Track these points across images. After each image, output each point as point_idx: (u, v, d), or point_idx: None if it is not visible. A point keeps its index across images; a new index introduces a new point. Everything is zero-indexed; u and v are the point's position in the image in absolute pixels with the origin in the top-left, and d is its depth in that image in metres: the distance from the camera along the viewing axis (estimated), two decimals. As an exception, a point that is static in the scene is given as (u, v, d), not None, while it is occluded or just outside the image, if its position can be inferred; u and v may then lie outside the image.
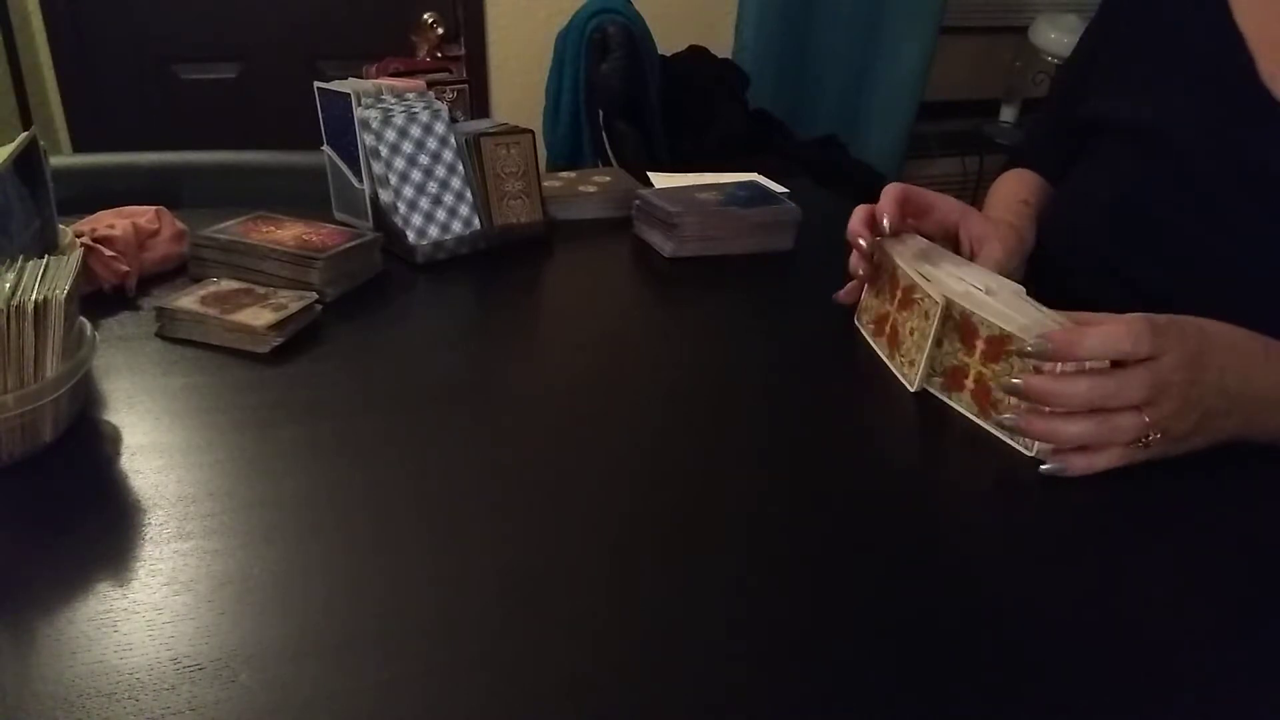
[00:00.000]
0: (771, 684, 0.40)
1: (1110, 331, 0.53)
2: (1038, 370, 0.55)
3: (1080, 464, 0.55)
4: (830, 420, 0.64)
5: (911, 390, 0.65)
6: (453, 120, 0.92)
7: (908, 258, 0.68)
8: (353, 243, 0.79)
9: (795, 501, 0.53)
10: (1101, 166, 0.79)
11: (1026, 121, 2.87)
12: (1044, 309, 0.60)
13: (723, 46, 2.43)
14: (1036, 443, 0.57)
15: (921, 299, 0.64)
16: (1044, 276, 0.79)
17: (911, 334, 0.65)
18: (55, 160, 0.72)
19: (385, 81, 0.93)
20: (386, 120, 0.87)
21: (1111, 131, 0.79)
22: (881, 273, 0.72)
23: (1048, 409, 0.55)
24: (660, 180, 1.10)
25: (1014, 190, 0.90)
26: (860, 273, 0.74)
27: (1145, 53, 0.78)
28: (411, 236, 0.86)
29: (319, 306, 0.73)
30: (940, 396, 0.64)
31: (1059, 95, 0.93)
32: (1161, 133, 0.73)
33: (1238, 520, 0.53)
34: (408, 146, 0.88)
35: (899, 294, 0.67)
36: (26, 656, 0.39)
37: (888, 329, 0.69)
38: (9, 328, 0.50)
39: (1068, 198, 0.83)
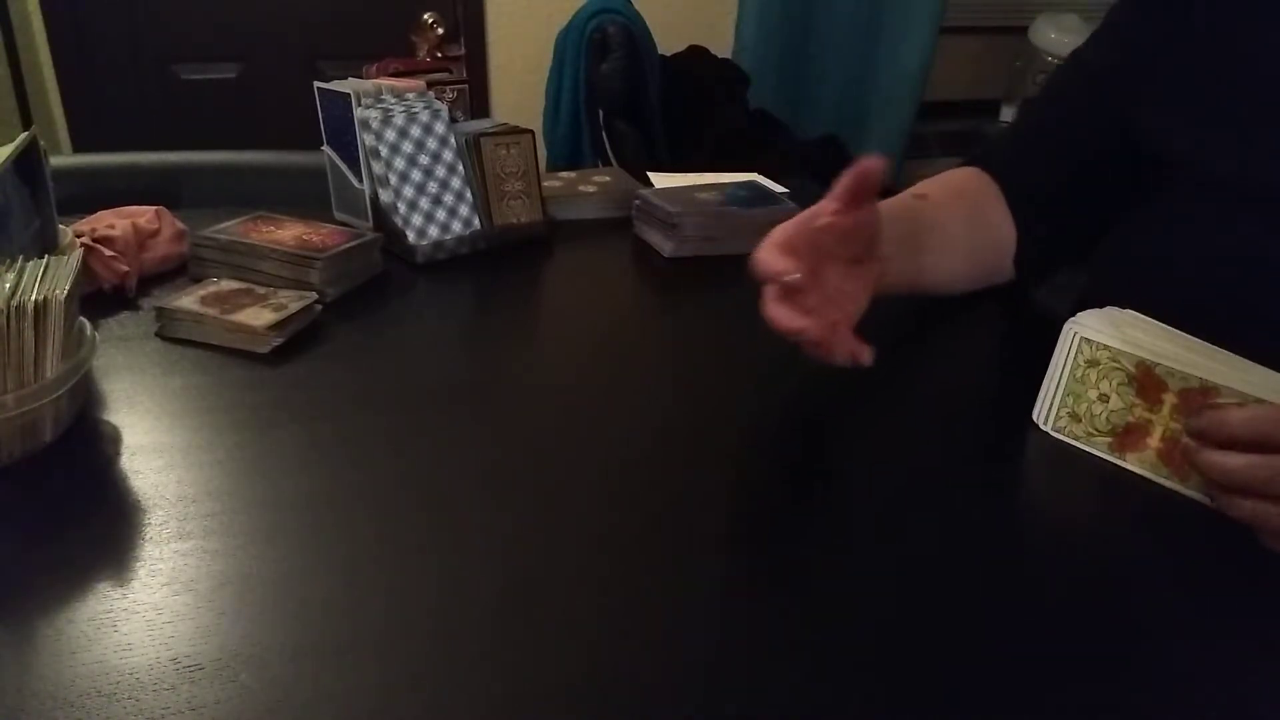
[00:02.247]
0: (771, 685, 0.40)
1: (1257, 414, 0.49)
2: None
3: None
4: (829, 420, 0.64)
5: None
6: (453, 120, 0.92)
7: (1153, 350, 0.55)
8: (353, 243, 0.79)
9: (795, 502, 0.53)
10: (1185, 222, 0.67)
11: (1011, 120, 2.86)
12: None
13: (723, 46, 2.43)
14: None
15: (1230, 402, 0.52)
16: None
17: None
18: (55, 160, 0.72)
19: (385, 81, 0.93)
20: (386, 120, 0.87)
21: (1199, 181, 0.66)
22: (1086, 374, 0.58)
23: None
24: (660, 180, 1.10)
25: (920, 186, 0.79)
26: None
27: (1238, 94, 0.65)
28: (411, 236, 0.86)
29: (319, 306, 0.73)
30: (1105, 456, 0.57)
31: (1077, 96, 0.79)
32: (1270, 188, 0.62)
33: None
34: (408, 146, 0.88)
35: (1170, 399, 0.54)
36: (26, 656, 0.39)
37: (1156, 443, 0.55)
38: (9, 328, 0.50)
39: (1139, 254, 0.70)
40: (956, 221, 0.79)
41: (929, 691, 0.40)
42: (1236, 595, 0.47)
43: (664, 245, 0.92)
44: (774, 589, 0.46)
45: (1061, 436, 0.59)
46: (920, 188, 0.81)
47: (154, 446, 0.55)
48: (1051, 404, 0.60)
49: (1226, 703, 0.40)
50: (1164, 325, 0.57)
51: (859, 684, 0.40)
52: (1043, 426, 0.60)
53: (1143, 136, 0.71)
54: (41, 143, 0.67)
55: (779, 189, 1.04)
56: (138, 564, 0.45)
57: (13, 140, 0.65)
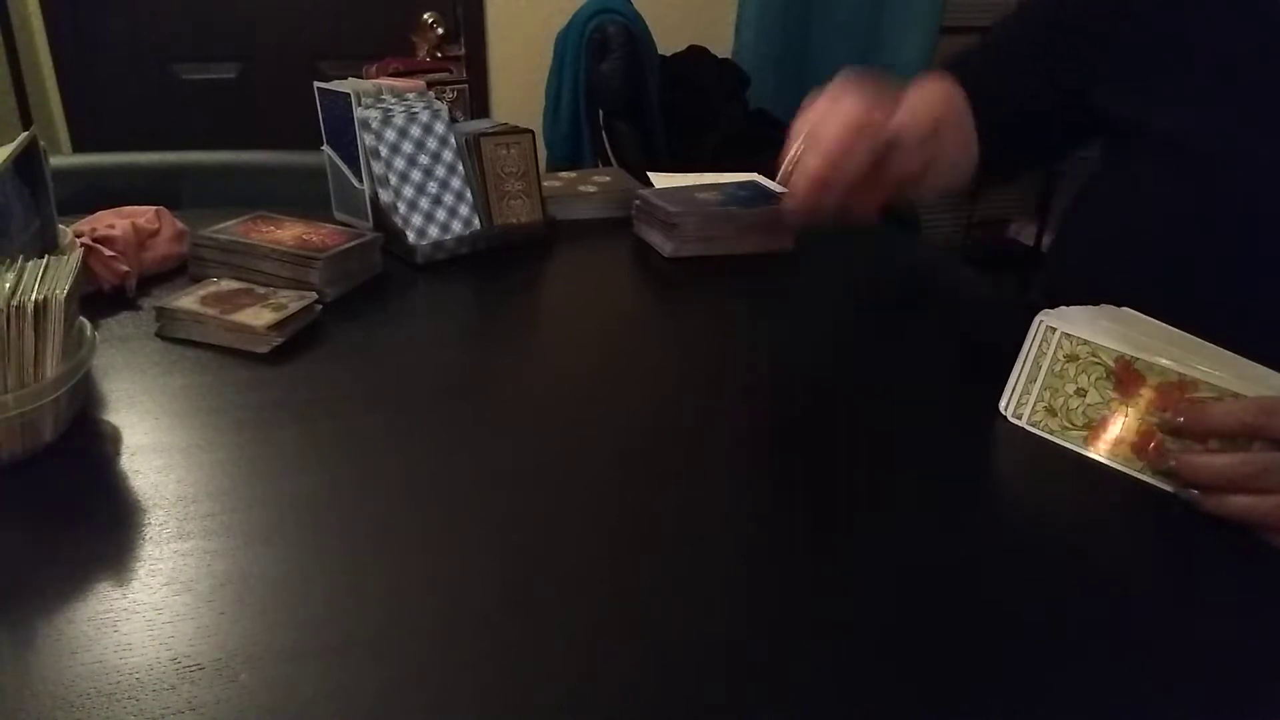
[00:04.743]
0: (772, 685, 0.40)
1: (1235, 406, 0.50)
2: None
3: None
4: (830, 419, 0.64)
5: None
6: (453, 120, 0.92)
7: (1139, 346, 0.55)
8: (353, 243, 0.79)
9: (794, 501, 0.53)
10: (1138, 187, 0.72)
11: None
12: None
13: (723, 46, 2.43)
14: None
15: (1207, 396, 0.52)
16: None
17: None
18: (55, 160, 0.72)
19: (385, 81, 0.93)
20: (386, 120, 0.87)
21: (1147, 146, 0.71)
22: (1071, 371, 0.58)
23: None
24: (660, 180, 1.10)
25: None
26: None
27: (1180, 59, 0.70)
28: (411, 236, 0.86)
29: (319, 306, 0.73)
30: (1075, 448, 0.58)
31: (1032, 44, 0.83)
32: (1213, 153, 0.66)
33: None
34: (408, 146, 0.88)
35: (1148, 392, 0.55)
36: (26, 656, 0.39)
37: (1131, 436, 0.56)
38: (9, 328, 0.50)
39: (1096, 217, 0.77)
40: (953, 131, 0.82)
41: (929, 690, 0.40)
42: (1237, 591, 0.47)
43: (664, 245, 0.92)
44: (774, 588, 0.46)
45: (1036, 430, 0.60)
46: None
47: (154, 446, 0.55)
48: (1026, 397, 0.60)
49: (1219, 696, 0.40)
50: (1139, 315, 0.59)
51: (861, 684, 0.40)
52: (1013, 419, 0.61)
53: (1096, 109, 0.76)
54: (41, 143, 0.67)
55: (779, 189, 1.04)
56: (138, 564, 0.45)
57: (13, 140, 0.65)
